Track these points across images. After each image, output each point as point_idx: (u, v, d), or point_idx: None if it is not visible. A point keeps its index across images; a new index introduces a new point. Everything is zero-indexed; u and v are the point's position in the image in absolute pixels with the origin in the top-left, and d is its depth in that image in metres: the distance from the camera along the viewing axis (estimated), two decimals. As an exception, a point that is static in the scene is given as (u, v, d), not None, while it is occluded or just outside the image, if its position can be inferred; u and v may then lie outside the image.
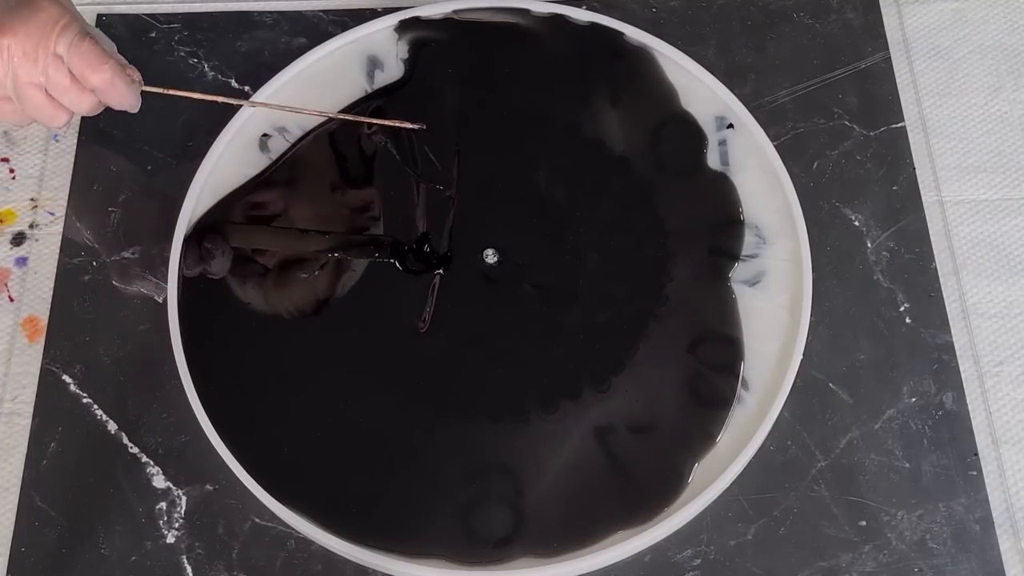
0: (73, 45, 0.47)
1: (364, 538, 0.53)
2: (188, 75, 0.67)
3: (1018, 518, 0.55)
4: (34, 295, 0.61)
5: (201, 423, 0.55)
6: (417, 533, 0.53)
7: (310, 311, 0.58)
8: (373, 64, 0.66)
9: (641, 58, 0.65)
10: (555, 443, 0.55)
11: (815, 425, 0.57)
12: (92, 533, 0.54)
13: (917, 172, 0.64)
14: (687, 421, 0.56)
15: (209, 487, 0.55)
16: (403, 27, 0.66)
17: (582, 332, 0.58)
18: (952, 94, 0.67)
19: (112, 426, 0.57)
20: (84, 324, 0.59)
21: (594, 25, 0.66)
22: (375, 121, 0.60)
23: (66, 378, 0.58)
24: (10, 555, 0.54)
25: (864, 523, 0.55)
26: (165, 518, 0.55)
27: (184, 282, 0.59)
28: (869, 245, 0.61)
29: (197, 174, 0.61)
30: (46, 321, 0.60)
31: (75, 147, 0.64)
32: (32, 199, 0.64)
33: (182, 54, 0.67)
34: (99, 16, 0.69)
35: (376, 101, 0.64)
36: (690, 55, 0.65)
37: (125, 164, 0.64)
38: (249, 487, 0.54)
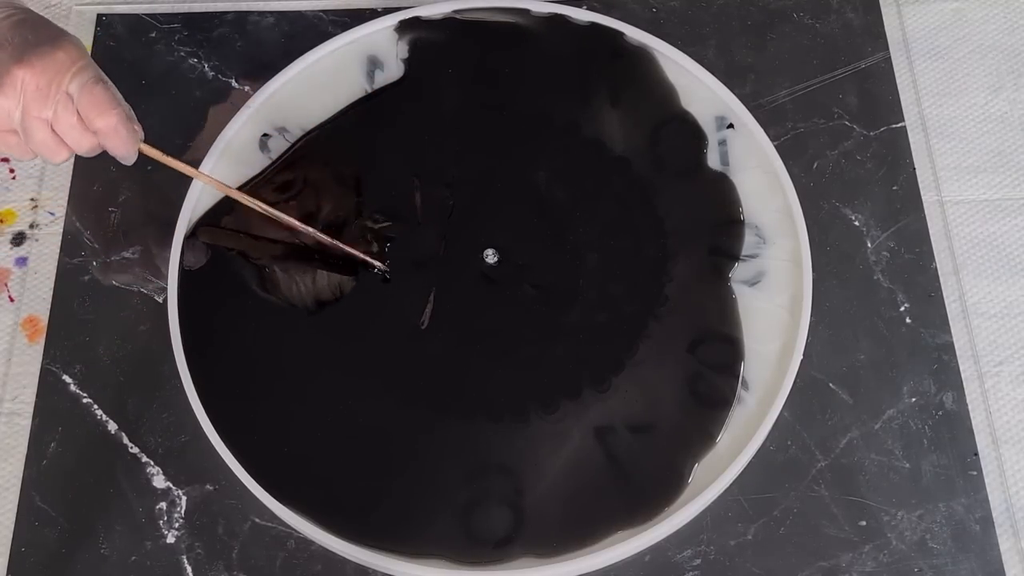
0: (85, 87, 0.49)
1: (364, 538, 0.53)
2: (188, 75, 0.67)
3: (1018, 518, 0.55)
4: (34, 295, 0.61)
5: (201, 423, 0.55)
6: (417, 533, 0.53)
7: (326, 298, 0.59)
8: (373, 64, 0.66)
9: (641, 58, 0.65)
10: (555, 443, 0.55)
11: (815, 425, 0.57)
12: (92, 533, 0.54)
13: (917, 172, 0.64)
14: (687, 421, 0.56)
15: (209, 487, 0.55)
16: (403, 27, 0.66)
17: (582, 332, 0.58)
18: (952, 94, 0.67)
19: (112, 426, 0.57)
20: (84, 324, 0.59)
21: (594, 25, 0.66)
22: (340, 247, 0.58)
23: (66, 378, 0.58)
24: (10, 555, 0.54)
25: (864, 523, 0.55)
26: (165, 518, 0.55)
27: (184, 282, 0.59)
28: (869, 245, 0.61)
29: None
30: (46, 321, 0.60)
31: (75, 147, 0.64)
32: (32, 199, 0.64)
33: (182, 54, 0.67)
34: (99, 16, 0.69)
35: (376, 100, 0.64)
36: (690, 55, 0.65)
37: (125, 164, 0.64)
38: (249, 487, 0.54)
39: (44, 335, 0.59)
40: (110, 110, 0.50)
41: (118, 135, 0.51)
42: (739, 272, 0.59)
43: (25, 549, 0.54)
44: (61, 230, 0.62)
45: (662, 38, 0.66)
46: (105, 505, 0.55)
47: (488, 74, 0.65)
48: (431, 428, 0.56)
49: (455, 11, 0.67)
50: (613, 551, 0.53)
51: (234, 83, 0.66)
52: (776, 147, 0.62)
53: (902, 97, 0.66)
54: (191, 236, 0.60)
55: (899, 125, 0.65)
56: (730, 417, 0.56)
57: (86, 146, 0.51)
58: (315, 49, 0.65)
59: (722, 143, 0.63)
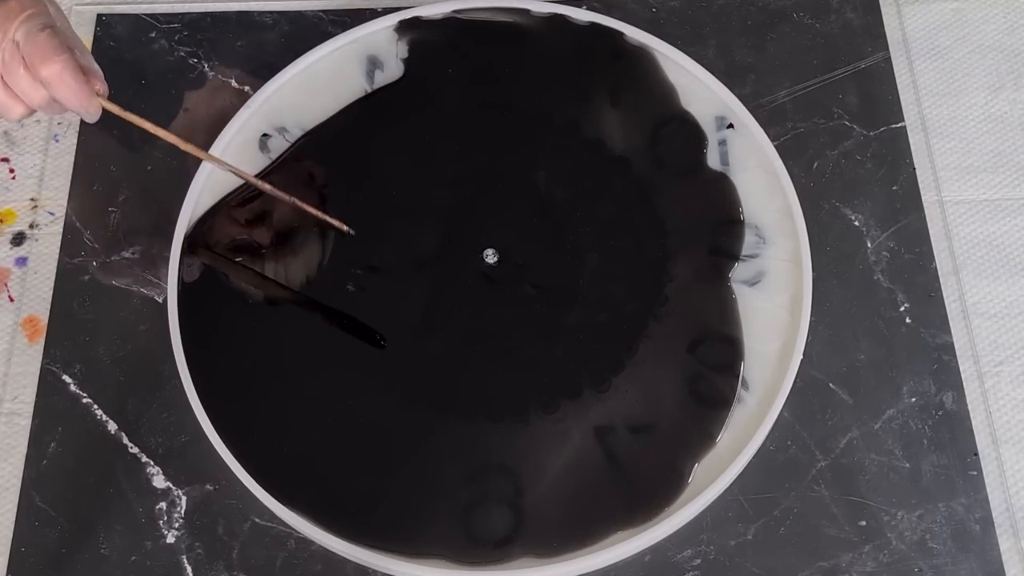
0: (30, 34, 0.47)
1: (364, 538, 0.53)
2: (188, 75, 0.67)
3: (1018, 518, 0.55)
4: (34, 295, 0.61)
5: (201, 423, 0.55)
6: (417, 533, 0.53)
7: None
8: (373, 64, 0.66)
9: (641, 58, 0.65)
10: (555, 443, 0.55)
11: (815, 425, 0.57)
12: (92, 533, 0.54)
13: (917, 172, 0.64)
14: (687, 421, 0.56)
15: (209, 487, 0.55)
16: (403, 27, 0.66)
17: (582, 332, 0.58)
18: (952, 94, 0.67)
19: (112, 426, 0.57)
20: (84, 324, 0.59)
21: (594, 25, 0.66)
22: (310, 211, 0.58)
23: (66, 378, 0.58)
24: (10, 555, 0.54)
25: (864, 523, 0.55)
26: (165, 518, 0.55)
27: (184, 282, 0.59)
28: (869, 245, 0.61)
29: (197, 174, 0.61)
30: (46, 321, 0.60)
31: (75, 147, 0.64)
32: (32, 199, 0.64)
33: (182, 54, 0.67)
34: (99, 16, 0.69)
35: (376, 100, 0.64)
36: (690, 55, 0.65)
37: (125, 164, 0.64)
38: (249, 487, 0.54)
39: (44, 335, 0.59)
40: (54, 57, 0.47)
41: (64, 84, 0.48)
42: (739, 272, 0.59)
43: (25, 549, 0.54)
44: (61, 230, 0.62)
45: (662, 38, 0.66)
46: (105, 505, 0.55)
47: (488, 74, 0.65)
48: (431, 428, 0.56)
49: (455, 11, 0.67)
50: (613, 551, 0.53)
51: (234, 83, 0.66)
52: (776, 147, 0.62)
53: (902, 97, 0.66)
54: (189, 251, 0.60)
55: (899, 125, 0.65)
56: (730, 417, 0.56)
57: (37, 99, 0.49)
58: (315, 49, 0.65)
59: (722, 143, 0.63)
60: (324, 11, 0.69)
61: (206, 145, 0.62)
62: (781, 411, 0.56)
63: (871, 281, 0.60)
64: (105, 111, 0.52)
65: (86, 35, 0.68)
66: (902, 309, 0.60)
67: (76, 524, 0.55)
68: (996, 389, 0.58)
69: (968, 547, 0.54)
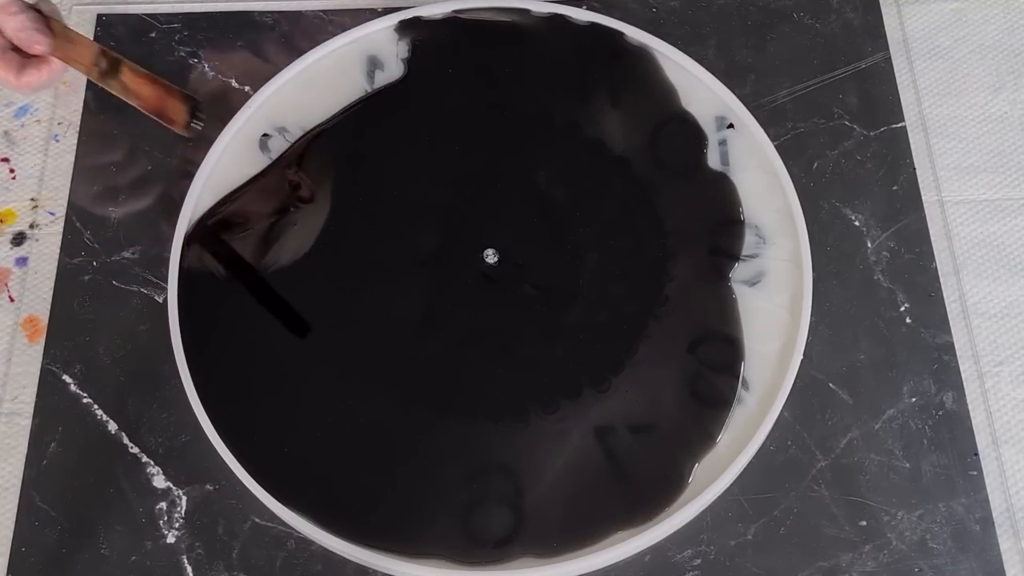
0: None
1: (364, 538, 0.53)
2: (188, 75, 0.67)
3: (1018, 518, 0.55)
4: (34, 295, 0.61)
5: (201, 423, 0.55)
6: (417, 533, 0.53)
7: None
8: (373, 64, 0.66)
9: (641, 58, 0.65)
10: (555, 443, 0.55)
11: (815, 425, 0.57)
12: (92, 533, 0.54)
13: (917, 172, 0.64)
14: (687, 421, 0.56)
15: (209, 487, 0.55)
16: (403, 27, 0.66)
17: (582, 332, 0.58)
18: (952, 94, 0.67)
19: (112, 426, 0.57)
20: (84, 324, 0.59)
21: (594, 25, 0.66)
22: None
23: (66, 378, 0.58)
24: (10, 555, 0.54)
25: (864, 523, 0.55)
26: (165, 518, 0.55)
27: (184, 282, 0.59)
28: (869, 245, 0.61)
29: (197, 174, 0.61)
30: (46, 321, 0.60)
31: (75, 147, 0.64)
32: (32, 199, 0.64)
33: (182, 54, 0.67)
34: (99, 16, 0.69)
35: (376, 100, 0.64)
36: (690, 55, 0.65)
37: (125, 164, 0.64)
38: (249, 487, 0.54)
39: (44, 335, 0.59)
40: (9, 5, 0.49)
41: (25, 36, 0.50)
42: (739, 272, 0.59)
43: (25, 549, 0.54)
44: (61, 230, 0.62)
45: (662, 38, 0.66)
46: (105, 505, 0.55)
47: (488, 74, 0.65)
48: (431, 428, 0.56)
49: (455, 11, 0.67)
50: (613, 551, 0.53)
51: (234, 83, 0.66)
52: (776, 147, 0.62)
53: (902, 97, 0.66)
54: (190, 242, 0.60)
55: (899, 125, 0.65)
56: (730, 417, 0.56)
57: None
58: (315, 49, 0.65)
59: (722, 143, 0.63)
60: (324, 11, 0.69)
61: (207, 145, 0.62)
62: (781, 411, 0.56)
63: (871, 281, 0.60)
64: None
65: (86, 35, 0.68)
66: (902, 309, 0.60)
67: (76, 524, 0.55)
68: (996, 389, 0.58)
69: (968, 547, 0.54)
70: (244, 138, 0.63)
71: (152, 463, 0.56)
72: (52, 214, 0.63)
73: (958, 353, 0.59)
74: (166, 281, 0.59)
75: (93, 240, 0.62)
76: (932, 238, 0.62)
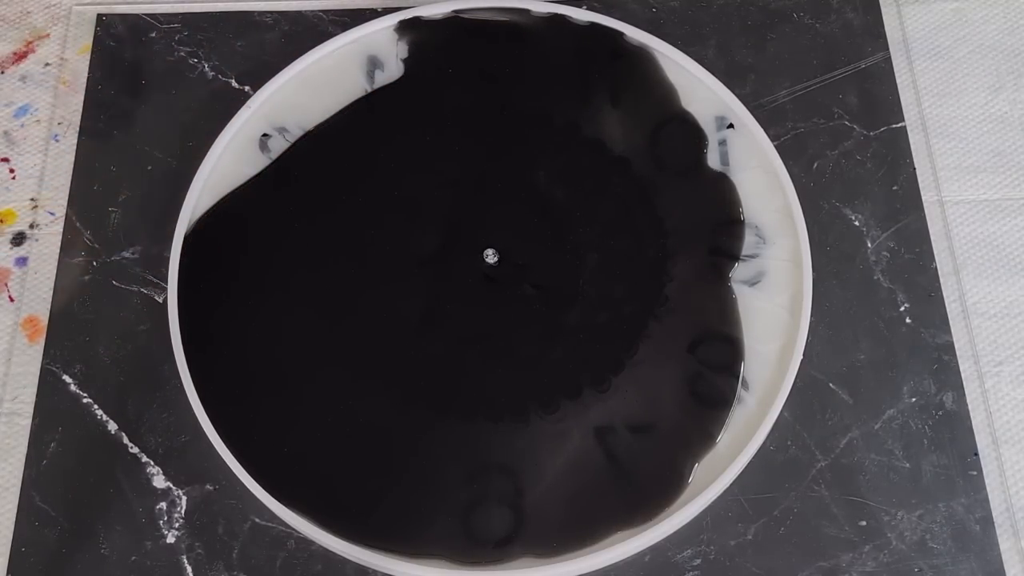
0: None
1: (364, 538, 0.53)
2: (188, 75, 0.67)
3: (1018, 518, 0.55)
4: (34, 295, 0.61)
5: (201, 423, 0.55)
6: (417, 533, 0.53)
7: None
8: (373, 64, 0.66)
9: (641, 58, 0.65)
10: (555, 443, 0.55)
11: (815, 425, 0.57)
12: (92, 533, 0.54)
13: (917, 172, 0.64)
14: (687, 421, 0.56)
15: (209, 487, 0.55)
16: (403, 27, 0.66)
17: (582, 332, 0.58)
18: (952, 94, 0.67)
19: (112, 426, 0.57)
20: (84, 324, 0.59)
21: (594, 25, 0.66)
22: None
23: (66, 378, 0.58)
24: (10, 555, 0.54)
25: (864, 523, 0.55)
26: (165, 518, 0.55)
27: (184, 282, 0.59)
28: (869, 245, 0.61)
29: (197, 174, 0.61)
30: (46, 321, 0.60)
31: (75, 147, 0.64)
32: (32, 199, 0.64)
33: (182, 54, 0.67)
34: (99, 16, 0.69)
35: (376, 100, 0.64)
36: (690, 55, 0.65)
37: (125, 164, 0.64)
38: (249, 487, 0.54)
39: (44, 335, 0.59)
40: None
41: None
42: (739, 272, 0.60)
43: (25, 549, 0.54)
44: (61, 230, 0.62)
45: (662, 38, 0.66)
46: (105, 505, 0.55)
47: (488, 74, 0.65)
48: (431, 428, 0.56)
49: (455, 11, 0.67)
50: (613, 551, 0.53)
51: (234, 83, 0.66)
52: (776, 147, 0.62)
53: (902, 97, 0.66)
54: None
55: (899, 125, 0.65)
56: (730, 417, 0.56)
57: None
58: (315, 49, 0.65)
59: (722, 143, 0.63)
60: (324, 11, 0.69)
61: (207, 145, 0.62)
62: (781, 411, 0.56)
63: (871, 281, 0.60)
64: None
65: (86, 35, 0.68)
66: (902, 309, 0.60)
67: (76, 524, 0.55)
68: (996, 389, 0.58)
69: (968, 547, 0.54)
70: (244, 138, 0.63)
71: (152, 463, 0.56)
72: (52, 214, 0.63)
73: (958, 353, 0.59)
74: (166, 281, 0.59)
75: (93, 240, 0.62)
76: (932, 238, 0.62)
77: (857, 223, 0.62)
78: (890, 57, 0.67)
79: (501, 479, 0.54)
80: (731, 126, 0.63)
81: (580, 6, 0.68)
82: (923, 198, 0.63)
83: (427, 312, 0.59)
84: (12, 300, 0.61)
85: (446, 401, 0.56)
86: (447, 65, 0.65)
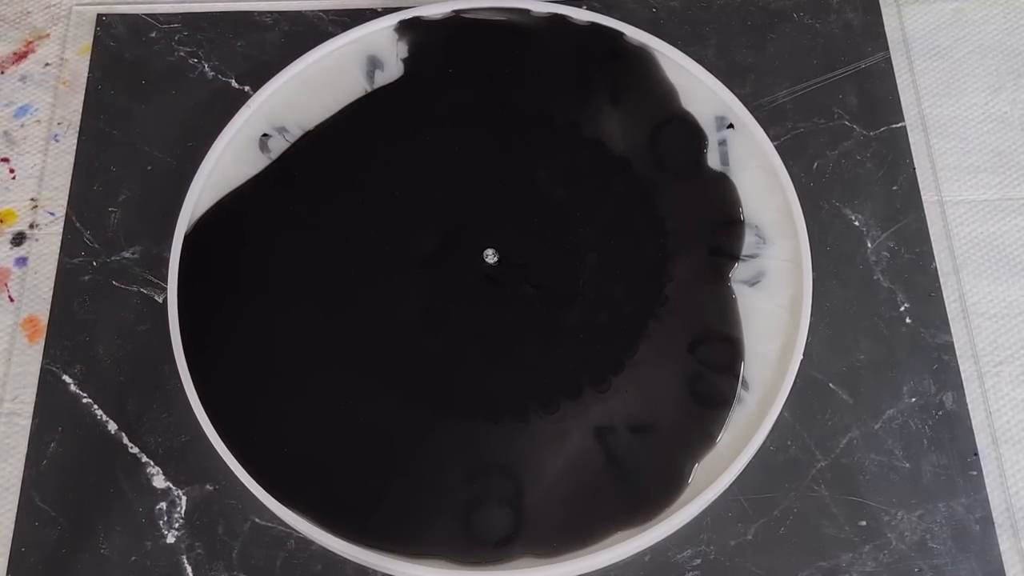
0: None
1: (364, 538, 0.53)
2: (188, 75, 0.67)
3: (1018, 518, 0.55)
4: (34, 295, 0.61)
5: (201, 423, 0.55)
6: (417, 533, 0.53)
7: None
8: (373, 64, 0.66)
9: (641, 58, 0.65)
10: (555, 443, 0.55)
11: (815, 425, 0.57)
12: (92, 533, 0.54)
13: (917, 172, 0.64)
14: (687, 421, 0.56)
15: (209, 487, 0.55)
16: (403, 27, 0.66)
17: (582, 332, 0.58)
18: (952, 94, 0.67)
19: (112, 426, 0.57)
20: (84, 324, 0.59)
21: (594, 25, 0.66)
22: None
23: (66, 378, 0.58)
24: (10, 555, 0.54)
25: (864, 523, 0.55)
26: (165, 518, 0.55)
27: (184, 282, 0.59)
28: (869, 245, 0.61)
29: (197, 174, 0.61)
30: (46, 321, 0.60)
31: (75, 147, 0.64)
32: (32, 199, 0.64)
33: (182, 54, 0.67)
34: (99, 16, 0.69)
35: (376, 100, 0.64)
36: (690, 55, 0.65)
37: (125, 164, 0.64)
38: (249, 487, 0.54)
39: (44, 335, 0.59)
40: None
41: None
42: (739, 272, 0.60)
43: (25, 549, 0.54)
44: (61, 230, 0.62)
45: (662, 38, 0.66)
46: (105, 505, 0.55)
47: (488, 74, 0.65)
48: (431, 428, 0.56)
49: (455, 11, 0.67)
50: (613, 551, 0.53)
51: (234, 83, 0.66)
52: (776, 147, 0.62)
53: (902, 97, 0.66)
54: None
55: (899, 125, 0.65)
56: (730, 417, 0.56)
57: None
58: (315, 49, 0.65)
59: (722, 143, 0.63)
60: (324, 11, 0.69)
61: (207, 145, 0.62)
62: (781, 411, 0.56)
63: (871, 281, 0.60)
64: None
65: (86, 35, 0.68)
66: (902, 309, 0.60)
67: (76, 524, 0.55)
68: (996, 389, 0.58)
69: (968, 547, 0.54)
70: (244, 138, 0.63)
71: (152, 463, 0.56)
72: (52, 214, 0.63)
73: (958, 353, 0.59)
74: (166, 281, 0.59)
75: (93, 240, 0.62)
76: (932, 238, 0.62)
77: (857, 223, 0.62)
78: (890, 57, 0.67)
79: (501, 479, 0.54)
80: (731, 126, 0.63)
81: (580, 6, 0.68)
82: (923, 198, 0.63)
83: (427, 312, 0.59)
84: (12, 300, 0.61)
85: (446, 401, 0.56)
86: (447, 65, 0.65)
